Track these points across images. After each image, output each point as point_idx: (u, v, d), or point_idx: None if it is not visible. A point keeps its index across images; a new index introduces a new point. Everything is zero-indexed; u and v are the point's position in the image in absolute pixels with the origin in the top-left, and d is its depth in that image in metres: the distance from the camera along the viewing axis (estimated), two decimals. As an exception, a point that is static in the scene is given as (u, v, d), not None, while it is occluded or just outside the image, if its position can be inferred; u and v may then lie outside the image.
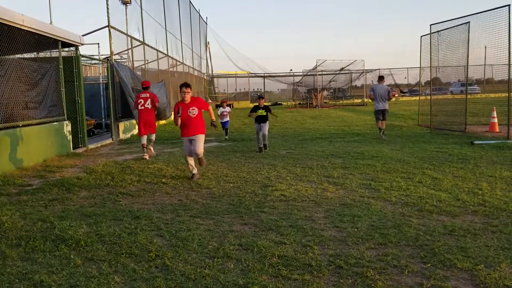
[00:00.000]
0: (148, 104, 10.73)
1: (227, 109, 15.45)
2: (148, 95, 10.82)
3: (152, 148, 10.90)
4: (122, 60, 18.19)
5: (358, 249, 4.21)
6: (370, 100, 14.42)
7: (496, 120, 14.48)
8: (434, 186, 6.77)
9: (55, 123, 10.95)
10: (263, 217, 5.32)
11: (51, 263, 4.02)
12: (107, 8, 14.64)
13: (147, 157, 10.32)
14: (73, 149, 11.73)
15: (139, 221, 5.26)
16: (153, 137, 11.16)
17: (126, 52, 17.63)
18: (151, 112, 10.84)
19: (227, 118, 15.24)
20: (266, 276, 3.65)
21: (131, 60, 17.84)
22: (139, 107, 10.77)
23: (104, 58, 15.92)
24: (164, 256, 4.10)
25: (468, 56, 13.98)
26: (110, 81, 14.77)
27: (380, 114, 13.44)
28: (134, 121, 15.55)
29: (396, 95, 14.03)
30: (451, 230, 4.67)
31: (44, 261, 4.07)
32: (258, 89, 52.69)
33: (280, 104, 46.93)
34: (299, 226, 4.95)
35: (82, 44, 12.54)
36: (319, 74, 42.35)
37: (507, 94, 12.38)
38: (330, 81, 47.27)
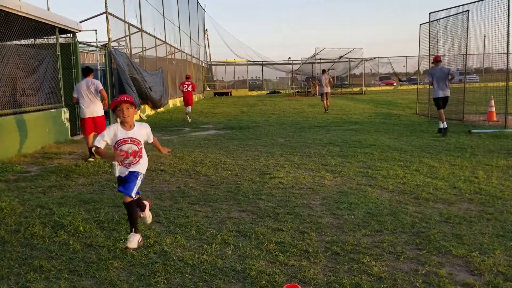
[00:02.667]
0: (189, 88, 17.45)
1: (135, 133, 4.03)
2: (189, 82, 17.69)
3: (188, 117, 17.05)
4: (120, 47, 18.09)
5: (354, 236, 4.26)
6: (318, 85, 22.43)
7: (494, 109, 14.49)
8: (431, 174, 6.81)
9: (53, 110, 10.93)
10: (261, 204, 5.36)
11: (50, 248, 4.06)
12: (105, -6, 14.52)
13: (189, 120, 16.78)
14: (71, 136, 11.73)
15: (137, 208, 5.29)
16: (189, 109, 17.35)
17: (123, 39, 17.53)
18: (190, 93, 17.45)
19: (137, 168, 4.04)
20: (263, 262, 3.70)
21: (129, 47, 17.75)
22: (184, 89, 17.51)
23: (102, 45, 15.84)
24: (163, 242, 4.14)
25: (467, 44, 13.94)
26: (108, 68, 14.71)
27: (324, 95, 20.21)
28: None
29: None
30: (447, 218, 4.72)
31: (43, 247, 4.11)
32: (256, 77, 52.54)
33: (278, 92, 46.83)
34: (297, 213, 4.99)
35: (80, 31, 12.46)
36: (317, 62, 42.23)
37: (505, 83, 12.39)
38: (328, 69, 47.12)
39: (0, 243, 4.22)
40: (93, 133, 8.83)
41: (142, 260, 3.77)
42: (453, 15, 14.46)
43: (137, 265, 3.68)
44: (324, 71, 21.33)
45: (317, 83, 22.22)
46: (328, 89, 20.30)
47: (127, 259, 3.80)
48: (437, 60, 11.93)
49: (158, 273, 3.51)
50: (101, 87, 8.93)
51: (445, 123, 11.41)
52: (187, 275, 3.48)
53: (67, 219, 4.81)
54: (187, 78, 18.51)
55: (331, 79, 21.59)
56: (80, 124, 9.67)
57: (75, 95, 8.96)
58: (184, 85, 17.59)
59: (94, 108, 8.89)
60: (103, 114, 9.20)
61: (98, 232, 4.46)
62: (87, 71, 9.10)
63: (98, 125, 8.92)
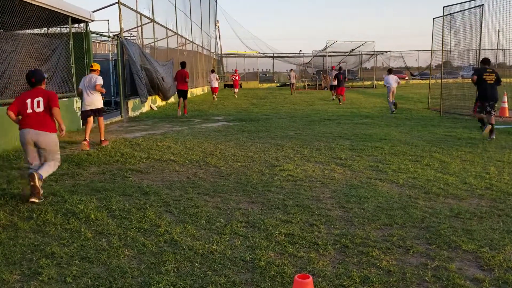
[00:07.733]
0: (236, 77, 28.94)
1: None
2: (236, 74, 29.29)
3: (236, 94, 26.80)
4: (132, 38, 18.13)
5: (364, 229, 4.26)
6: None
7: (506, 105, 14.35)
8: (442, 169, 6.77)
9: (65, 99, 11.01)
10: (270, 196, 5.38)
11: (62, 235, 4.11)
12: (117, -15, 14.54)
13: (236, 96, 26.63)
14: (82, 125, 11.81)
15: (148, 197, 5.34)
16: (236, 90, 28.27)
17: (135, 29, 17.56)
18: (237, 81, 28.82)
19: None
20: (272, 253, 3.71)
21: (141, 37, 17.78)
22: (233, 79, 29.19)
23: (114, 35, 15.89)
24: (173, 231, 4.17)
25: (480, 39, 13.77)
26: (119, 59, 14.76)
27: (292, 84, 30.64)
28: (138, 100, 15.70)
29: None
30: (457, 213, 4.70)
31: (55, 234, 4.17)
32: (267, 69, 52.36)
33: (288, 84, 46.64)
34: (306, 205, 5.00)
35: (92, 21, 12.51)
36: (328, 55, 41.97)
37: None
38: (340, 63, 46.81)
39: (13, 230, 4.28)
40: None
41: (152, 248, 3.81)
42: (467, 9, 14.29)
43: (147, 253, 3.72)
44: (291, 70, 32.69)
45: (287, 77, 33.59)
46: (294, 80, 30.99)
47: (138, 247, 3.84)
48: (333, 69, 25.84)
49: (168, 261, 3.55)
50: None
51: (334, 96, 21.77)
52: (196, 264, 3.51)
53: (79, 207, 4.87)
54: (235, 72, 30.25)
55: (296, 75, 33.02)
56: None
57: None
58: (233, 76, 29.36)
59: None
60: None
61: (109, 220, 4.51)
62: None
63: None
